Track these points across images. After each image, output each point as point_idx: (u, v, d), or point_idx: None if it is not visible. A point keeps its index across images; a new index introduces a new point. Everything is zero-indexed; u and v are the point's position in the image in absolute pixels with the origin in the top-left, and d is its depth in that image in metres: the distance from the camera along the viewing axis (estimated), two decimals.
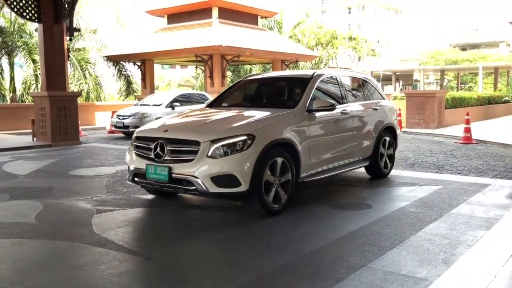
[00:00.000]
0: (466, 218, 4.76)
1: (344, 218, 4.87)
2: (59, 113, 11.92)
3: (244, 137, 4.65)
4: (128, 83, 24.52)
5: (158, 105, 14.58)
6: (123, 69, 23.98)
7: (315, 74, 6.08)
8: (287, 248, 3.97)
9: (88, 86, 22.45)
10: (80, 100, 18.94)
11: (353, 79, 7.18)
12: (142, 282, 3.30)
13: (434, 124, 16.34)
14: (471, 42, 72.26)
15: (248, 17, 21.30)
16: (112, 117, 15.29)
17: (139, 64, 21.59)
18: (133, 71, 24.21)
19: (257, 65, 26.25)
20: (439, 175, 7.37)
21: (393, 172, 7.67)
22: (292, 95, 6.15)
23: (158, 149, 4.81)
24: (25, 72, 22.86)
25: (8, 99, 21.18)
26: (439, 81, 49.71)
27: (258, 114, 5.40)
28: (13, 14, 19.33)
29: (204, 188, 4.53)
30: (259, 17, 22.46)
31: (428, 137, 14.44)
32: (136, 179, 5.08)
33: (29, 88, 21.44)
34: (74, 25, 13.32)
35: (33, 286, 3.20)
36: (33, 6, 11.60)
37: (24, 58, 21.33)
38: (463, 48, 66.25)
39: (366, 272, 3.36)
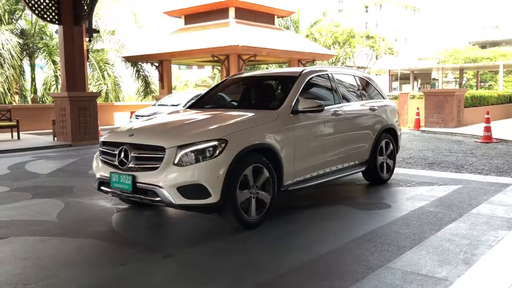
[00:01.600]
0: (487, 218, 4.70)
1: (362, 217, 4.85)
2: (79, 114, 12.11)
3: (215, 143, 4.19)
4: (146, 83, 24.74)
5: (176, 105, 14.69)
6: (141, 70, 24.21)
7: (303, 72, 5.55)
8: (305, 247, 3.97)
9: (107, 86, 22.72)
10: (99, 101, 19.20)
11: (349, 77, 6.60)
12: (162, 280, 3.35)
13: (453, 123, 16.13)
14: (491, 39, 71.05)
15: (264, 17, 21.31)
16: (130, 117, 15.48)
17: (156, 64, 21.77)
18: (151, 71, 24.44)
19: (273, 64, 26.26)
20: (459, 174, 7.28)
21: (412, 171, 7.60)
22: (277, 95, 5.66)
23: (122, 156, 4.39)
24: (45, 73, 23.23)
25: (29, 100, 21.56)
26: (458, 79, 49.03)
27: (236, 116, 4.92)
28: (34, 17, 19.69)
29: (170, 199, 4.08)
30: (275, 17, 22.45)
31: (447, 136, 14.27)
32: (102, 187, 4.65)
33: (49, 89, 21.79)
34: (93, 27, 13.49)
35: (57, 283, 3.28)
36: (53, 8, 11.80)
37: (44, 59, 21.67)
38: (483, 46, 65.22)
39: (385, 272, 3.35)
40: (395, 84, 52.40)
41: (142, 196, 4.28)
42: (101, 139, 4.86)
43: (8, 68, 18.74)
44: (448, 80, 55.86)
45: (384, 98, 6.94)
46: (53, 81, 21.43)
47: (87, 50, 12.74)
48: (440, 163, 8.51)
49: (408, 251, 3.77)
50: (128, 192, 4.30)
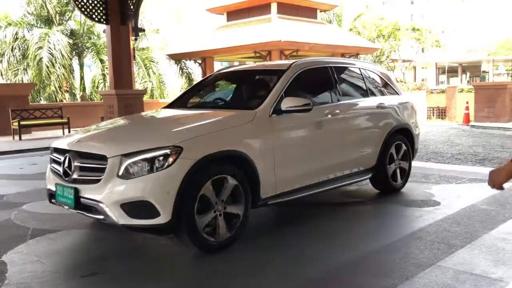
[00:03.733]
0: None
1: (410, 215, 4.73)
2: (126, 110, 12.43)
3: (166, 151, 3.50)
4: (190, 80, 25.09)
5: None
6: (185, 67, 24.57)
7: (293, 65, 4.76)
8: (352, 245, 3.92)
9: (152, 84, 23.21)
10: (144, 98, 19.63)
11: (354, 70, 5.72)
12: (209, 276, 3.39)
13: (505, 117, 15.45)
14: None
15: (307, 11, 21.11)
16: None
17: (199, 62, 22.04)
18: (194, 68, 24.75)
19: None
20: None
21: (462, 168, 7.34)
22: (260, 92, 4.74)
23: (65, 165, 3.80)
24: (93, 72, 24.00)
25: (79, 98, 22.35)
26: (511, 72, 46.88)
27: (202, 117, 4.32)
28: (83, 17, 20.38)
29: (113, 218, 3.46)
30: (318, 11, 22.19)
31: (499, 131, 13.70)
32: (53, 200, 4.03)
33: (97, 87, 22.50)
34: (139, 26, 13.82)
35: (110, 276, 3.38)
36: (101, 8, 12.16)
37: (92, 58, 22.39)
38: None
39: (436, 271, 3.25)
40: (442, 77, 50.79)
41: (86, 214, 3.68)
42: (52, 144, 4.24)
43: (59, 67, 19.49)
44: (499, 72, 53.54)
45: (398, 94, 6.09)
46: (100, 79, 22.11)
47: (133, 48, 13.06)
48: (491, 159, 8.17)
49: (460, 250, 3.65)
50: (72, 208, 3.70)
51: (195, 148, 3.62)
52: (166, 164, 3.47)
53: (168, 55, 22.91)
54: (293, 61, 4.91)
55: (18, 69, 20.34)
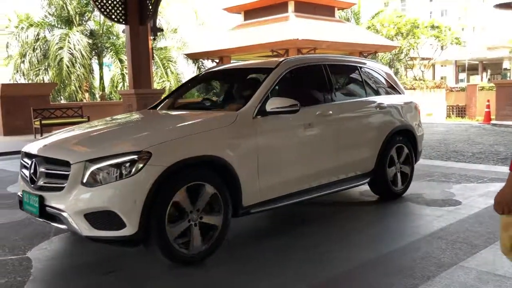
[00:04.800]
0: None
1: (431, 214, 4.68)
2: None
3: (133, 156, 3.25)
4: None
5: None
6: (202, 67, 24.70)
7: (282, 63, 4.46)
8: (372, 244, 3.90)
9: (170, 83, 23.39)
10: (162, 97, 19.81)
11: (352, 68, 5.39)
12: (226, 274, 3.41)
13: None
14: None
15: (324, 9, 21.02)
16: None
17: (217, 61, 22.13)
18: None
19: None
20: None
21: (483, 167, 7.23)
22: (246, 92, 4.41)
23: (32, 171, 3.57)
24: (112, 71, 24.29)
25: (98, 97, 22.64)
26: None
27: (178, 120, 4.13)
28: (102, 18, 20.64)
29: (76, 229, 3.24)
30: (336, 9, 22.08)
31: None
32: (23, 208, 3.73)
33: (116, 87, 22.76)
34: (157, 26, 13.93)
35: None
36: (120, 9, 12.29)
37: (111, 58, 22.65)
38: None
39: (458, 271, 3.22)
40: (462, 75, 50.01)
41: (51, 223, 3.46)
42: (23, 148, 4.01)
43: (79, 67, 19.78)
44: None
45: (400, 93, 5.75)
46: (119, 79, 22.35)
47: (152, 48, 13.18)
48: None
49: (483, 250, 3.61)
50: (37, 217, 3.48)
51: (166, 153, 3.36)
52: (133, 171, 3.21)
53: (185, 54, 23.06)
54: (283, 59, 4.62)
55: (39, 69, 20.72)
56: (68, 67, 19.35)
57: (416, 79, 27.15)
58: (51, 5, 21.39)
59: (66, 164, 3.33)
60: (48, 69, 20.45)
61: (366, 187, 5.56)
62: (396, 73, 29.10)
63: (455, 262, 3.38)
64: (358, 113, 5.04)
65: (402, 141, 5.37)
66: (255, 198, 3.90)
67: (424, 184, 6.11)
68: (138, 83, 12.53)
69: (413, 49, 27.38)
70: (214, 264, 3.53)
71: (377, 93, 5.41)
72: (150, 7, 12.16)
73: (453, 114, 26.72)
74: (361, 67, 5.38)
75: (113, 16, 12.29)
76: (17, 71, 21.24)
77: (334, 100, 4.76)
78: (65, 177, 3.32)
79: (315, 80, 4.87)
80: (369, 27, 26.71)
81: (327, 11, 21.23)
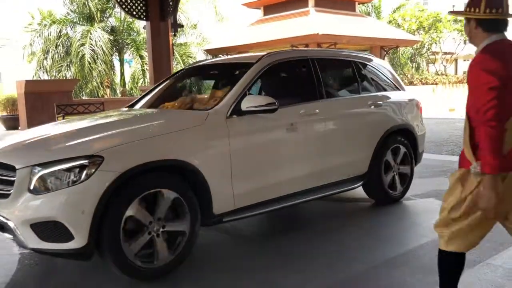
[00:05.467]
0: None
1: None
2: None
3: (83, 161, 2.96)
4: None
5: None
6: None
7: (262, 58, 4.13)
8: (396, 240, 3.88)
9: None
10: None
11: (344, 63, 5.04)
12: (256, 265, 3.42)
13: None
14: None
15: (345, 4, 20.84)
16: None
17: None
18: None
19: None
20: None
21: None
22: (223, 89, 4.14)
23: None
24: (132, 67, 24.50)
25: (119, 93, 22.88)
26: None
27: (145, 120, 3.84)
28: (123, 14, 20.84)
29: (22, 240, 2.99)
30: (356, 3, 21.88)
31: None
32: None
33: (136, 83, 22.95)
34: (177, 22, 13.99)
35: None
36: (141, 5, 12.39)
37: (132, 54, 22.85)
38: None
39: (485, 269, 3.17)
40: None
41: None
42: None
43: (100, 64, 20.01)
44: None
45: (400, 89, 5.36)
46: (140, 75, 22.54)
47: (172, 44, 13.26)
48: None
49: (510, 247, 3.54)
50: None
51: (121, 157, 3.07)
52: (83, 178, 2.93)
53: (205, 50, 23.14)
54: (265, 53, 4.29)
55: (61, 66, 21.03)
56: (89, 63, 19.60)
57: (438, 74, 26.71)
58: (73, 2, 21.66)
59: (12, 169, 3.05)
60: (70, 65, 20.74)
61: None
62: (417, 68, 28.69)
63: (481, 259, 3.33)
64: (349, 112, 4.67)
65: (401, 141, 5.01)
66: (229, 205, 3.61)
67: (446, 180, 6.01)
68: (158, 79, 12.57)
69: (435, 43, 26.93)
70: (247, 257, 3.54)
71: (372, 90, 5.05)
72: (171, 3, 12.21)
73: None
74: (355, 62, 4.99)
75: (134, 13, 12.39)
76: (40, 68, 21.59)
77: (322, 98, 4.39)
78: (12, 183, 3.03)
79: (301, 76, 4.57)
80: (390, 22, 26.37)
81: (348, 6, 21.04)
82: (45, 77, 21.41)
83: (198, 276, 3.32)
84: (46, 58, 21.38)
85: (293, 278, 3.19)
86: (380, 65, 5.39)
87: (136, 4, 12.31)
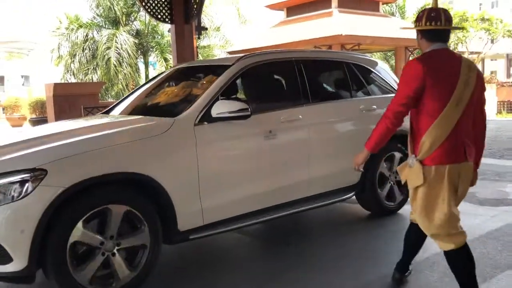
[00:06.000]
0: None
1: (484, 214, 4.54)
2: None
3: (24, 175, 2.70)
4: None
5: None
6: None
7: (240, 60, 3.85)
8: (426, 243, 3.83)
9: None
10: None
11: (335, 65, 4.67)
12: (285, 267, 3.44)
13: None
14: None
15: (368, 4, 20.68)
16: None
17: None
18: None
19: (377, 52, 25.38)
20: None
21: None
22: (195, 94, 3.81)
23: None
24: (157, 70, 24.79)
25: None
26: None
27: (102, 128, 3.48)
28: (147, 18, 21.12)
29: None
30: (380, 3, 21.69)
31: None
32: None
33: None
34: (201, 24, 14.10)
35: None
36: (166, 8, 12.54)
37: (156, 57, 23.14)
38: None
39: None
40: None
41: None
42: None
43: (126, 66, 20.35)
44: None
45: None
46: None
47: (196, 47, 13.38)
48: None
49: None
50: None
51: (67, 171, 2.80)
52: (23, 194, 2.67)
53: (228, 52, 23.25)
54: (243, 55, 4.00)
55: (88, 69, 21.44)
56: (115, 66, 19.94)
57: None
58: (99, 6, 22.07)
59: None
60: (97, 68, 21.13)
61: None
62: None
63: None
64: (337, 117, 4.31)
65: (397, 147, 4.58)
66: (196, 220, 3.33)
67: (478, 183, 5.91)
68: None
69: (462, 43, 26.45)
70: (275, 258, 3.55)
71: (366, 93, 4.70)
72: (195, 6, 12.33)
73: (504, 110, 25.65)
74: (346, 63, 4.61)
75: (159, 16, 12.55)
76: (68, 71, 22.07)
77: (307, 103, 4.04)
78: None
79: (284, 79, 4.29)
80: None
81: (372, 6, 20.89)
82: (72, 80, 21.86)
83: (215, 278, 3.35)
84: (73, 61, 21.83)
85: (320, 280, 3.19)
86: (377, 66, 5.00)
87: (161, 8, 12.47)
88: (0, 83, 34.40)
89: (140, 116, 3.79)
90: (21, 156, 2.89)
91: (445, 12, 2.59)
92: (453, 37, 25.27)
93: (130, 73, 20.89)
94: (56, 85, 15.43)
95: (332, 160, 4.17)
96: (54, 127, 3.93)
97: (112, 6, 21.69)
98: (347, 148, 4.02)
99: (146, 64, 23.82)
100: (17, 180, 2.69)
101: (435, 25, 2.56)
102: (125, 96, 4.61)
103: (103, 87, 19.90)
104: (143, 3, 12.36)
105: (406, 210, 4.76)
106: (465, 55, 28.37)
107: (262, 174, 3.71)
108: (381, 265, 3.41)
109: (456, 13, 25.43)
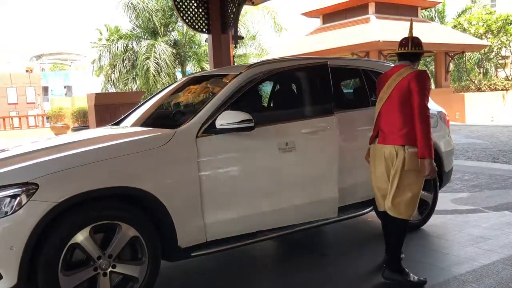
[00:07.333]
0: None
1: (505, 221, 4.38)
2: None
3: (14, 189, 2.60)
4: None
5: None
6: None
7: (250, 68, 3.63)
8: (466, 256, 3.72)
9: None
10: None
11: (353, 73, 4.43)
12: (320, 277, 3.41)
13: None
14: None
15: (407, 10, 20.37)
16: None
17: None
18: None
19: None
20: None
21: None
22: (199, 105, 3.66)
23: None
24: None
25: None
26: None
27: (100, 141, 3.30)
28: (185, 28, 21.54)
29: None
30: (419, 8, 21.34)
31: None
32: None
33: None
34: (238, 34, 14.24)
35: None
36: (203, 19, 12.76)
37: (193, 67, 23.54)
38: None
39: None
40: None
41: None
42: None
43: (164, 76, 20.79)
44: None
45: None
46: None
47: (233, 56, 13.52)
48: None
49: None
50: None
51: (60, 185, 2.68)
52: (14, 209, 2.57)
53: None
54: (252, 63, 3.80)
55: (128, 79, 22.06)
56: (154, 76, 20.42)
57: (508, 79, 25.34)
58: (139, 17, 22.70)
59: None
60: (136, 78, 21.70)
61: (458, 195, 5.29)
62: (485, 73, 27.39)
63: None
64: (354, 128, 4.05)
65: None
66: (198, 237, 3.13)
67: (490, 193, 5.69)
68: None
69: (505, 47, 25.59)
70: (310, 267, 3.53)
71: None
72: (232, 16, 12.48)
73: None
74: (364, 71, 4.34)
75: (197, 26, 12.76)
76: (108, 81, 22.76)
77: (326, 113, 3.72)
78: None
79: (300, 88, 4.04)
80: (455, 26, 25.39)
81: (410, 11, 20.55)
82: (112, 89, 22.52)
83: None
84: (113, 71, 22.50)
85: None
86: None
87: (199, 18, 12.70)
88: (44, 93, 35.80)
89: (142, 128, 3.66)
90: (15, 169, 2.79)
91: (413, 39, 3.47)
92: (496, 41, 24.51)
93: (168, 83, 21.31)
94: (97, 95, 15.91)
95: (352, 172, 3.89)
96: (56, 139, 3.87)
97: (151, 17, 22.26)
98: (362, 160, 3.69)
99: (184, 74, 24.24)
100: (10, 194, 2.59)
101: (404, 49, 3.46)
102: (137, 106, 4.54)
103: (143, 96, 20.41)
104: (181, 14, 12.61)
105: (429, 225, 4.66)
106: (509, 60, 27.44)
107: (276, 188, 3.46)
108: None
109: (499, 17, 24.65)
